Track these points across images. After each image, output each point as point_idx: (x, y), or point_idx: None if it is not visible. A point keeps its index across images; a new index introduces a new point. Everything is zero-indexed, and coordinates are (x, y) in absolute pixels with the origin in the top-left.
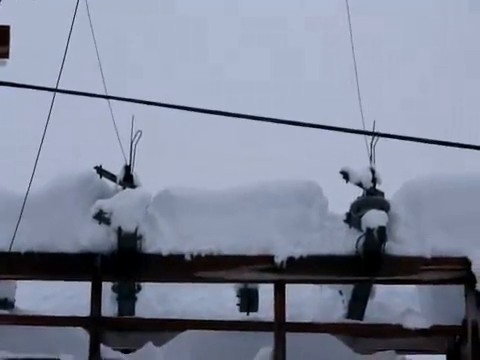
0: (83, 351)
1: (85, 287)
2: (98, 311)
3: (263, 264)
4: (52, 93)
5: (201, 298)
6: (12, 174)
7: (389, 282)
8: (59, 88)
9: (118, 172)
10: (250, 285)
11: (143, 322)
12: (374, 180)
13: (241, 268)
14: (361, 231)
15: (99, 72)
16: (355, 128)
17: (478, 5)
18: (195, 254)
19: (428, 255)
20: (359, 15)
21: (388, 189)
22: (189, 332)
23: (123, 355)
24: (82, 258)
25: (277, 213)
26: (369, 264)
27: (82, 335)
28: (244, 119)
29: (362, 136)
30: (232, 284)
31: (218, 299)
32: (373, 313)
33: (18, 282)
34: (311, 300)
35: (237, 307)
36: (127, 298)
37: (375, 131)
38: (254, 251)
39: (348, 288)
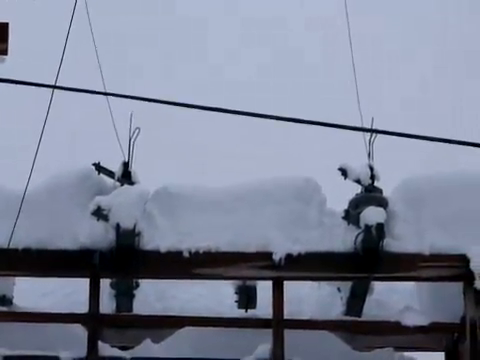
0: (81, 348)
1: (83, 284)
2: (96, 308)
3: (261, 261)
4: (51, 92)
5: (199, 295)
6: (12, 173)
7: (387, 279)
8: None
9: (116, 169)
10: (248, 282)
11: (141, 319)
12: (372, 177)
13: (239, 265)
14: (359, 228)
15: (99, 72)
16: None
17: (478, 5)
18: (193, 251)
19: (427, 252)
20: (359, 15)
21: (386, 186)
22: (187, 329)
23: (121, 352)
24: (80, 254)
25: (275, 210)
26: (367, 261)
27: (80, 332)
28: (242, 116)
29: (360, 133)
30: (230, 281)
31: (216, 296)
32: (371, 310)
33: (17, 279)
34: (309, 297)
35: (235, 304)
36: (125, 295)
37: (373, 128)
38: (252, 248)
39: (346, 285)
